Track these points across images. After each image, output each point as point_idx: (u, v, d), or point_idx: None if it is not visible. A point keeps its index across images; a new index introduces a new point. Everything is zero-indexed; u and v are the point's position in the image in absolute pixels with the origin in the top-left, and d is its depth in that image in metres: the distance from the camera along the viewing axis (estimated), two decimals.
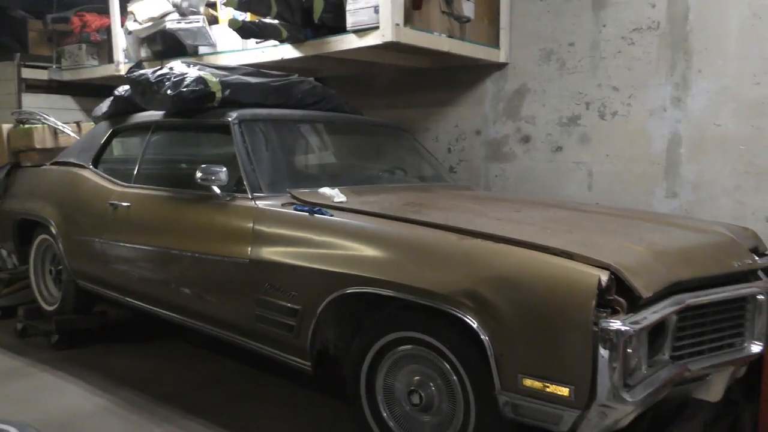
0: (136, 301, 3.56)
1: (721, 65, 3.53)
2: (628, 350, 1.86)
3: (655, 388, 1.97)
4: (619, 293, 1.93)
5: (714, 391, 2.32)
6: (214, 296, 3.02)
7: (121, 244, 3.48)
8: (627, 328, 1.84)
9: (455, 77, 4.56)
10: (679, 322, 2.09)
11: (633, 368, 1.93)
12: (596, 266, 1.94)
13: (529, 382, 1.97)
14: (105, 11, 5.23)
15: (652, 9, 3.73)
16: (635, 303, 1.97)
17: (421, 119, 4.78)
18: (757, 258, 2.53)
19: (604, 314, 1.87)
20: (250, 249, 2.75)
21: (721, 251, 2.45)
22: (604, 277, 1.89)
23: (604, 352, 1.84)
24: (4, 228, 4.51)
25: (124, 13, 4.99)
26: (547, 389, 1.94)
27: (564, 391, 1.91)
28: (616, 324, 1.84)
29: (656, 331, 2.02)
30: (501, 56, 4.31)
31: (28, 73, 5.67)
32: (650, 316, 1.95)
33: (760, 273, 2.50)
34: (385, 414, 2.44)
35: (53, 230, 3.99)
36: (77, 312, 4.14)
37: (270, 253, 2.68)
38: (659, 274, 2.09)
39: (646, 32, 3.77)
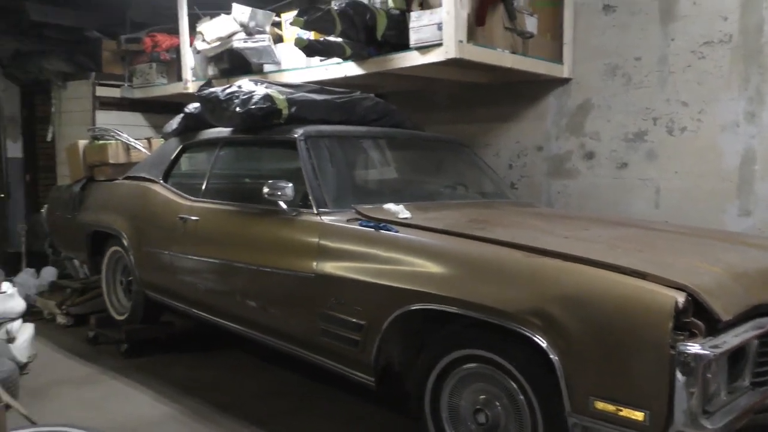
0: (202, 312, 3.65)
1: None
2: (708, 375, 1.80)
3: (735, 416, 1.90)
4: (697, 316, 1.87)
5: None
6: (278, 309, 3.06)
7: (190, 256, 3.58)
8: (706, 352, 1.78)
9: (517, 92, 4.53)
10: (760, 347, 2.01)
11: (712, 394, 1.86)
12: (672, 287, 1.89)
13: (601, 405, 1.93)
14: (175, 31, 5.42)
15: (724, 22, 3.63)
16: (714, 326, 1.90)
17: (481, 134, 4.76)
18: None
19: (682, 337, 1.82)
20: (315, 264, 2.79)
21: None
22: (681, 298, 1.83)
23: (681, 377, 1.78)
24: (78, 239, 4.69)
25: (193, 33, 5.17)
26: (620, 413, 1.89)
27: (639, 415, 1.85)
28: (694, 347, 1.78)
29: (736, 356, 1.95)
30: (564, 71, 4.26)
31: (101, 91, 5.93)
32: (730, 340, 1.89)
33: None
34: None
35: (125, 242, 4.13)
36: (145, 322, 4.28)
37: (335, 267, 2.71)
38: (738, 296, 2.02)
39: (718, 45, 3.66)
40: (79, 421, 3.00)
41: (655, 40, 3.89)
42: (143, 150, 4.67)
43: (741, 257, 2.39)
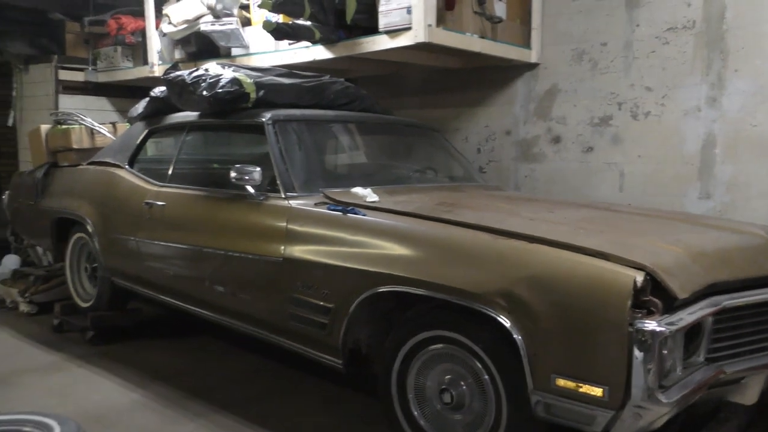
0: (169, 299, 3.63)
1: (759, 65, 3.47)
2: (664, 351, 1.85)
3: (690, 390, 1.95)
4: (655, 294, 1.92)
5: (749, 395, 2.29)
6: (247, 294, 3.06)
7: (156, 242, 3.55)
8: (662, 328, 1.83)
9: (486, 77, 4.55)
10: (715, 324, 2.07)
11: (668, 370, 1.91)
12: (631, 267, 1.93)
13: (562, 382, 1.97)
14: (140, 14, 5.32)
15: (687, 8, 3.68)
16: (671, 304, 1.95)
17: (451, 119, 4.78)
18: None
19: (640, 315, 1.86)
20: (283, 248, 2.78)
21: (758, 253, 2.42)
22: (640, 277, 1.88)
23: (639, 353, 1.83)
24: (42, 226, 4.62)
25: (159, 15, 5.08)
26: (581, 389, 1.94)
27: (598, 391, 1.90)
28: (651, 325, 1.83)
29: (692, 332, 2.01)
30: (532, 56, 4.29)
31: (65, 75, 5.80)
32: (686, 317, 1.94)
33: None
34: (416, 412, 2.46)
35: (89, 228, 4.07)
36: (112, 309, 4.23)
37: (303, 251, 2.71)
38: (695, 275, 2.08)
39: (681, 31, 3.72)
40: (44, 408, 2.96)
41: (620, 25, 3.94)
42: (108, 135, 4.59)
43: (699, 237, 2.45)
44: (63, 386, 3.48)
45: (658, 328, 1.83)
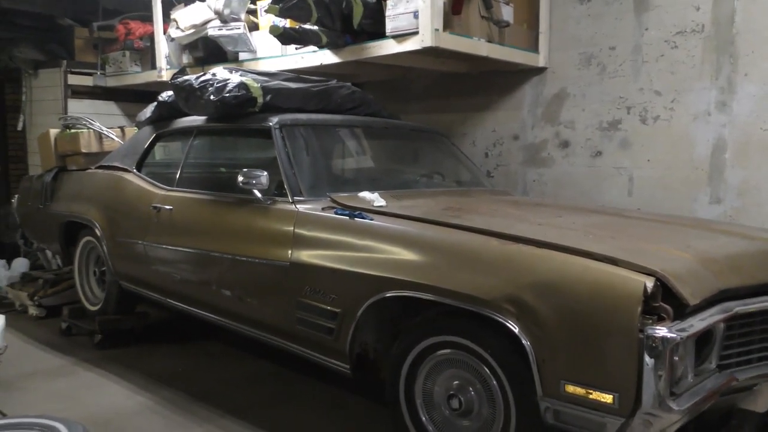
0: (177, 303, 3.63)
1: None
2: (675, 358, 1.83)
3: (702, 398, 1.94)
4: (665, 300, 1.90)
5: (761, 402, 2.26)
6: (254, 298, 3.05)
7: (164, 246, 3.55)
8: (673, 335, 1.81)
9: (493, 82, 4.55)
10: (726, 330, 2.05)
11: (679, 376, 1.89)
12: (642, 272, 1.91)
13: (571, 389, 1.95)
14: (148, 19, 5.35)
15: (696, 12, 3.67)
16: (682, 310, 1.93)
17: (458, 124, 4.78)
18: None
19: (650, 321, 1.84)
20: (290, 252, 2.78)
21: None
22: (650, 283, 1.86)
23: (649, 360, 1.81)
24: (51, 230, 4.63)
25: (167, 20, 5.10)
26: (590, 396, 1.92)
27: (608, 398, 1.88)
28: (662, 331, 1.81)
29: (703, 339, 1.99)
30: (540, 60, 4.28)
31: (73, 80, 5.82)
32: (697, 323, 1.92)
33: None
34: (424, 418, 2.44)
35: (98, 232, 4.08)
36: (119, 312, 4.24)
37: (310, 256, 2.71)
38: (706, 281, 2.06)
39: (690, 35, 3.70)
40: (51, 412, 2.96)
41: (629, 29, 3.92)
42: (116, 139, 4.61)
43: (710, 243, 2.43)
44: (70, 390, 3.48)
45: (669, 335, 1.81)
